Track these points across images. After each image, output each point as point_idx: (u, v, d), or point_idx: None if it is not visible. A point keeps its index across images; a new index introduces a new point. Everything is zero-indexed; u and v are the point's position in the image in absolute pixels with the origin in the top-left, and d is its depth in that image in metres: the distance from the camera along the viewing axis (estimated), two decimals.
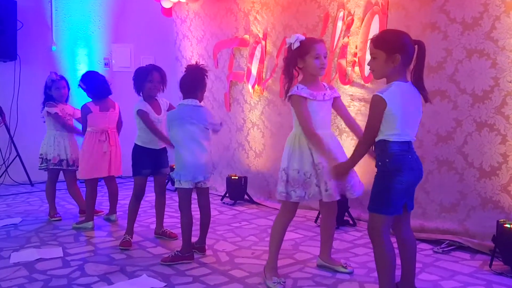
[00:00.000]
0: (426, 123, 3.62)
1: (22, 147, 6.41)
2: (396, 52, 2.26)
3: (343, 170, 2.57)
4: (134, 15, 7.02)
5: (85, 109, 4.13)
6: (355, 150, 2.47)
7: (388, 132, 2.29)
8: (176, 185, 3.26)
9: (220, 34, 5.80)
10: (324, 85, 2.91)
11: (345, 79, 4.32)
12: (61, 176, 4.57)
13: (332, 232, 3.04)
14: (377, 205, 2.34)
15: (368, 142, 2.38)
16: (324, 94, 2.81)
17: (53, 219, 4.46)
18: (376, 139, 2.34)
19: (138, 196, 3.71)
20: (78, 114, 4.40)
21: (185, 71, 3.30)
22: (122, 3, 7.07)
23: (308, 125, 2.72)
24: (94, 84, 4.16)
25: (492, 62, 3.25)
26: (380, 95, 2.25)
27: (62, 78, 4.52)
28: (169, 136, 3.30)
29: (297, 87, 2.76)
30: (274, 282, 2.74)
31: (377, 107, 2.27)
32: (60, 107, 4.43)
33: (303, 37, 2.79)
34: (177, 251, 3.23)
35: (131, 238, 3.64)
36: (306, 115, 2.73)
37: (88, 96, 4.21)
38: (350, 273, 2.93)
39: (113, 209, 4.44)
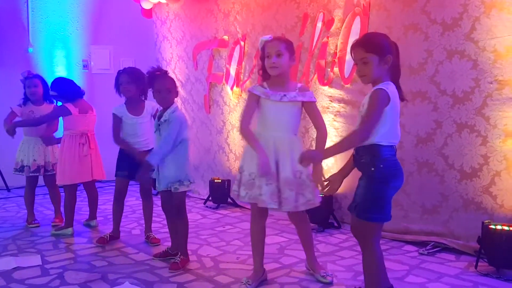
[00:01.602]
0: (406, 125, 3.62)
1: None
2: (388, 54, 2.26)
3: (312, 157, 2.39)
4: (113, 16, 6.92)
5: (64, 110, 4.00)
6: (343, 140, 2.31)
7: (380, 133, 2.22)
8: (185, 189, 3.18)
9: (200, 35, 5.75)
10: (296, 86, 2.76)
11: (324, 80, 4.31)
12: (39, 181, 4.47)
13: (309, 239, 2.95)
14: (373, 213, 2.25)
15: (365, 135, 2.20)
16: (284, 95, 2.69)
17: (31, 225, 4.35)
18: (366, 143, 2.26)
19: (117, 197, 3.80)
20: None
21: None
22: (101, 4, 6.96)
23: (242, 120, 2.71)
24: (65, 87, 4.07)
25: (473, 63, 3.27)
26: (386, 90, 2.19)
27: (35, 76, 4.38)
28: (182, 139, 3.15)
29: (256, 85, 2.78)
30: (242, 282, 2.77)
31: (383, 101, 2.19)
32: (28, 108, 4.31)
33: (267, 38, 2.75)
34: (180, 257, 3.17)
35: (110, 236, 3.77)
36: (245, 111, 2.73)
37: (63, 102, 4.10)
38: (329, 284, 2.80)
39: (93, 214, 4.36)
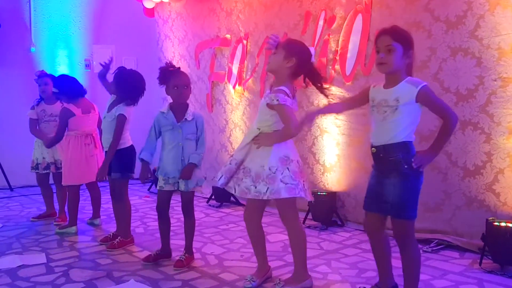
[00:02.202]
0: None
1: (0, 151, 6.24)
2: (411, 49, 2.28)
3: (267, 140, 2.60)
4: (115, 15, 6.92)
5: (67, 112, 4.00)
6: (445, 132, 2.32)
7: (410, 130, 2.29)
8: (198, 188, 3.25)
9: (202, 34, 5.76)
10: (275, 88, 2.62)
11: (326, 78, 4.30)
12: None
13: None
14: (413, 210, 2.27)
15: (456, 118, 2.38)
16: (266, 93, 2.73)
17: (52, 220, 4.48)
18: (396, 141, 2.26)
19: (111, 196, 3.79)
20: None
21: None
22: (103, 3, 6.96)
23: None
24: (67, 85, 4.06)
25: (477, 61, 3.27)
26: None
27: (47, 75, 4.48)
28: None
29: None
30: (246, 279, 2.78)
31: None
32: (41, 107, 4.38)
33: None
34: (185, 255, 3.18)
35: (113, 234, 3.72)
36: None
37: (64, 100, 4.11)
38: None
39: (96, 213, 4.37)
